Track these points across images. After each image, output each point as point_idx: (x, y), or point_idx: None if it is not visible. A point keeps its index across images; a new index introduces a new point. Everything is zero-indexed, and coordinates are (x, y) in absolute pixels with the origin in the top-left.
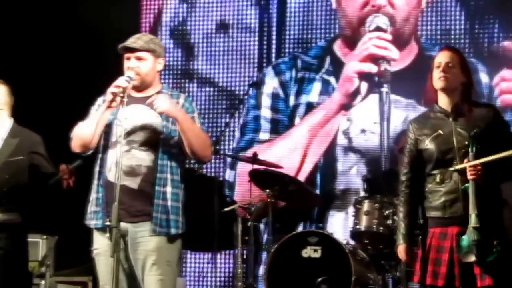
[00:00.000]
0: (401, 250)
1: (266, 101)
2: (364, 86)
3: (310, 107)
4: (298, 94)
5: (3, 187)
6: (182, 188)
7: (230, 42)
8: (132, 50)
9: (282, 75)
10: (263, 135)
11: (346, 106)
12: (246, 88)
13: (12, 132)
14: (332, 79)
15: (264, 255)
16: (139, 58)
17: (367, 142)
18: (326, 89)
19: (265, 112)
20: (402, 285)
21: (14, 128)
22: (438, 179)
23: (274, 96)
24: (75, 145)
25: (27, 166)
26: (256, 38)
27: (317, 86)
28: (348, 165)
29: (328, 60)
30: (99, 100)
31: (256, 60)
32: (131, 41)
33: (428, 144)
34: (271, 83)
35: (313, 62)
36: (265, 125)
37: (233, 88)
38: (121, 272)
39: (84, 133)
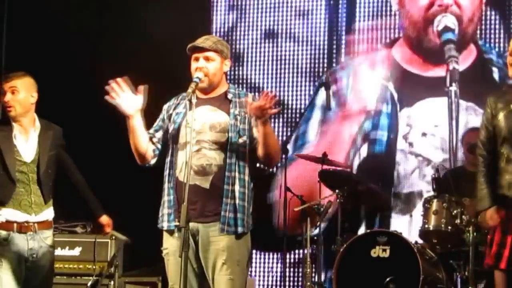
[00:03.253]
0: (491, 212)
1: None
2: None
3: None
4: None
5: (49, 181)
6: (251, 187)
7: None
8: (201, 50)
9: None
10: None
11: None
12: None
13: (42, 125)
14: (390, 85)
15: (333, 254)
16: (207, 58)
17: (429, 146)
18: (384, 95)
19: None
20: (470, 285)
21: (40, 121)
22: (505, 158)
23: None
24: None
25: (56, 161)
26: (326, 41)
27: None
28: (409, 168)
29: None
30: (165, 106)
31: (326, 61)
32: (200, 41)
33: (500, 120)
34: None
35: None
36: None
37: (302, 91)
38: (191, 272)
39: None
